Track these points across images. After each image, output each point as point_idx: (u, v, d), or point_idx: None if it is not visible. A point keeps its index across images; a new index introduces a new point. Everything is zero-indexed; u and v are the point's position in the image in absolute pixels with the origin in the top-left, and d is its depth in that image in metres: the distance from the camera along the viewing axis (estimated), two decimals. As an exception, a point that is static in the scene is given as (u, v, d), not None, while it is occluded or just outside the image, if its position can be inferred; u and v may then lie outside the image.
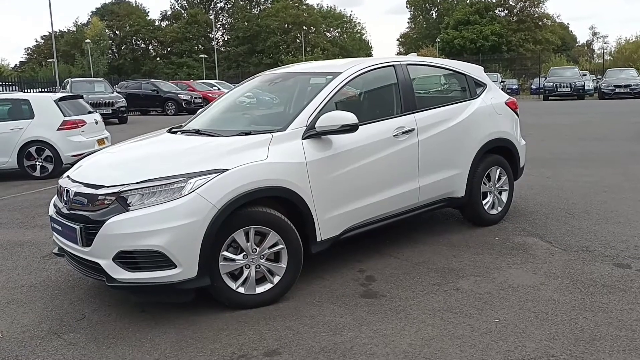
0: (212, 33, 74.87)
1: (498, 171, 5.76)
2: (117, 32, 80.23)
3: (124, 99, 23.66)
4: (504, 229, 5.68)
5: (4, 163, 10.46)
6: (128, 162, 4.21)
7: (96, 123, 11.46)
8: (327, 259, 4.83)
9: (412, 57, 5.47)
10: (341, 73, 4.72)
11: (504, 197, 5.89)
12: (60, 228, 4.08)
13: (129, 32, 79.10)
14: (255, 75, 5.61)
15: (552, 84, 32.26)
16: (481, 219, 5.70)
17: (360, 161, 4.51)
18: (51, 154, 10.53)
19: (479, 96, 5.65)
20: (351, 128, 4.26)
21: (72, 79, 25.56)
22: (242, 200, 3.81)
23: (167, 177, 3.72)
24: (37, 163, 10.55)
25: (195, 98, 28.35)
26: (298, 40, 74.35)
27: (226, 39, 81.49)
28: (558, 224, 5.77)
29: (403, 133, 4.82)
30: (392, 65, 5.06)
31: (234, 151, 4.00)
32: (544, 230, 5.57)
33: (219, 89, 31.04)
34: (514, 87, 39.40)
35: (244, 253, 3.93)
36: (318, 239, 4.29)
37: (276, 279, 4.05)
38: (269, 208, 4.00)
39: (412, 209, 5.04)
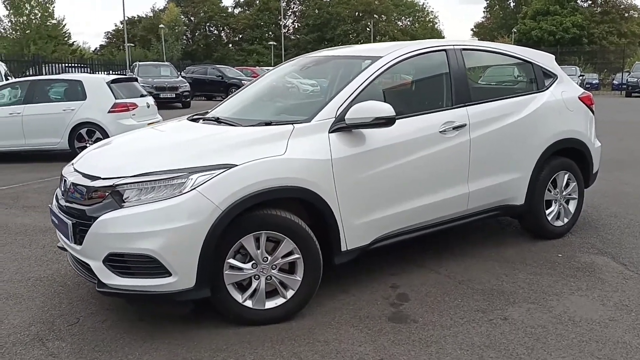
0: (283, 20, 74.97)
1: (566, 177, 4.97)
2: (192, 18, 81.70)
3: (187, 84, 23.72)
4: (570, 244, 4.89)
5: (55, 144, 10.44)
6: (133, 152, 3.76)
7: (148, 107, 11.27)
8: (356, 269, 4.25)
9: (469, 42, 4.74)
10: (381, 57, 4.09)
11: (572, 206, 5.09)
12: (57, 222, 3.69)
13: (203, 18, 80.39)
14: (290, 60, 5.05)
15: (636, 79, 30.03)
16: (543, 231, 4.94)
17: (398, 160, 3.89)
18: (101, 137, 10.39)
19: (547, 89, 4.87)
20: (387, 121, 3.64)
21: (140, 63, 25.92)
22: (252, 201, 3.28)
23: (166, 171, 3.24)
24: (88, 145, 10.43)
25: (258, 84, 28.17)
26: (368, 29, 73.28)
27: (296, 26, 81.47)
28: (636, 242, 4.93)
29: (452, 129, 4.14)
30: (444, 50, 4.38)
31: (247, 144, 3.47)
32: (618, 249, 4.75)
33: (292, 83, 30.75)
34: (593, 82, 37.04)
35: (254, 262, 3.40)
36: (343, 249, 3.71)
37: (289, 293, 3.50)
38: (284, 211, 3.45)
39: (459, 217, 4.36)
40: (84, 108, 10.39)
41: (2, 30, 64.83)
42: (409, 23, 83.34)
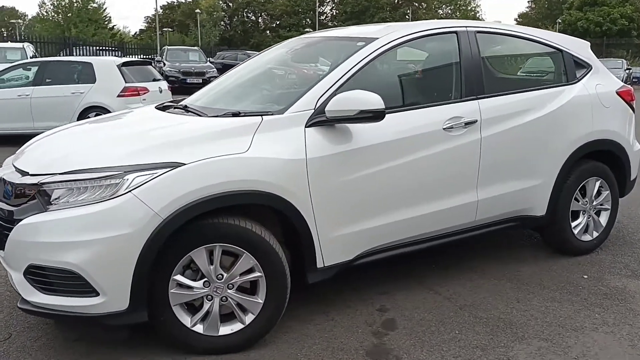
0: (321, 7, 74.08)
1: (597, 184, 4.26)
2: (230, 4, 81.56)
3: (215, 69, 23.29)
4: (598, 262, 4.19)
5: (63, 128, 10.09)
6: (75, 143, 3.22)
7: (160, 91, 10.82)
8: (342, 285, 3.66)
9: (486, 23, 4.04)
10: (377, 39, 3.45)
11: (604, 218, 4.37)
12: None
13: (241, 4, 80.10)
14: (282, 43, 4.43)
15: (688, 74, 28.40)
16: (567, 247, 4.25)
17: (391, 161, 3.27)
18: (110, 122, 10.00)
19: (578, 81, 4.15)
20: (374, 115, 3.02)
21: (169, 47, 25.64)
22: (202, 208, 2.72)
23: (97, 169, 2.69)
24: (97, 130, 10.07)
25: (287, 70, 27.67)
26: (407, 17, 71.80)
27: (334, 13, 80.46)
28: (678, 263, 4.21)
29: (460, 125, 3.49)
30: (454, 32, 3.71)
31: (203, 139, 2.90)
32: (657, 271, 4.04)
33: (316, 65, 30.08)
34: (640, 76, 35.18)
35: (206, 279, 2.85)
36: (319, 265, 3.12)
37: (249, 318, 2.94)
38: (246, 220, 2.88)
39: (465, 229, 3.71)
40: (93, 91, 10.00)
41: (45, 13, 65.96)
42: (449, 11, 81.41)
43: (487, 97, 3.66)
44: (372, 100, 3.00)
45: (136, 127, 3.40)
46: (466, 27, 3.75)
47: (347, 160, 3.13)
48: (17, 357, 2.92)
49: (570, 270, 4.01)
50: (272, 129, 3.00)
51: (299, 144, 3.00)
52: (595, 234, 4.34)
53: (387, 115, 3.22)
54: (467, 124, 3.52)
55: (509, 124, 3.70)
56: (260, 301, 2.93)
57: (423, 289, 3.70)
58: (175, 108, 3.64)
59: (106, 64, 10.41)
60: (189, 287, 2.83)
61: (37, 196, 2.74)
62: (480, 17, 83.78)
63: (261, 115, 3.05)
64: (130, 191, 2.62)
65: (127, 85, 10.05)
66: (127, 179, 2.63)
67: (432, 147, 3.40)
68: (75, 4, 63.33)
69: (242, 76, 4.10)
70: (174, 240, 2.73)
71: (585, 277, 3.92)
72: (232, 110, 3.22)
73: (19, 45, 18.36)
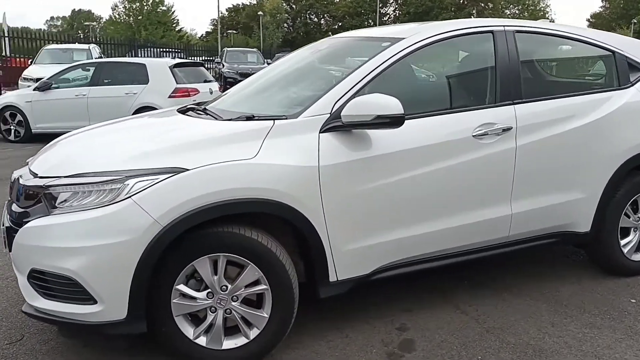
0: (384, 8, 73.57)
1: (652, 199, 3.88)
2: (293, 5, 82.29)
3: (272, 70, 23.46)
4: (651, 285, 3.82)
5: (117, 128, 10.31)
6: (85, 146, 3.18)
7: (211, 92, 10.87)
8: (363, 299, 3.47)
9: (527, 22, 3.74)
10: (404, 39, 3.25)
11: (659, 236, 3.99)
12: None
13: (304, 6, 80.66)
14: (311, 44, 4.27)
15: None
16: (615, 266, 3.89)
17: (414, 170, 3.06)
18: (162, 122, 10.16)
19: (632, 85, 3.78)
20: (392, 121, 2.82)
21: (228, 49, 26.03)
22: (204, 216, 2.60)
23: (99, 173, 2.62)
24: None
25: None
26: (472, 18, 70.22)
27: (397, 14, 79.73)
28: None
29: (493, 133, 3.23)
30: (490, 32, 3.45)
31: (211, 143, 2.78)
32: None
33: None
34: None
35: (210, 290, 2.73)
36: (332, 279, 2.95)
37: (253, 333, 2.80)
38: (251, 229, 2.74)
39: (498, 244, 3.44)
40: (146, 92, 10.18)
41: (117, 16, 68.63)
42: (517, 12, 79.10)
43: (525, 102, 3.38)
44: (391, 105, 2.80)
45: (148, 130, 3.33)
46: (504, 26, 3.48)
47: (364, 168, 2.94)
48: (24, 359, 2.89)
49: (616, 293, 3.66)
50: (284, 134, 2.86)
51: (312, 150, 2.84)
52: (649, 254, 3.96)
53: (411, 120, 3.04)
54: (502, 131, 3.25)
55: (548, 131, 3.40)
56: (266, 315, 2.78)
57: (450, 308, 3.45)
58: (195, 111, 3.55)
59: (159, 65, 10.57)
60: (192, 298, 2.72)
61: (43, 199, 2.70)
62: (549, 18, 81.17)
63: (273, 120, 2.91)
64: (129, 197, 2.53)
65: (178, 86, 10.17)
66: (128, 184, 2.55)
67: (459, 155, 3.16)
68: (146, 7, 65.59)
69: (268, 78, 3.97)
70: (176, 248, 2.62)
71: (633, 301, 3.56)
72: (247, 113, 3.09)
73: (85, 46, 19.01)
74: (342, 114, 2.88)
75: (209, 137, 2.84)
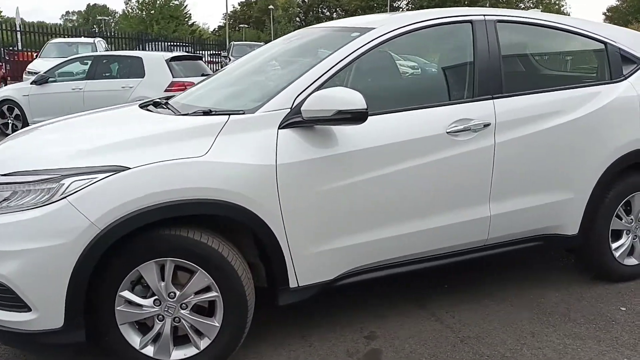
0: (397, 2, 73.03)
1: (646, 200, 3.65)
2: (305, 0, 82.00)
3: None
4: (643, 292, 3.59)
5: (113, 122, 10.20)
6: (32, 142, 3.02)
7: (209, 86, 10.73)
8: (331, 304, 3.28)
9: (511, 12, 3.49)
10: (373, 30, 3.04)
11: (654, 239, 3.75)
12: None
13: (316, 0, 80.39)
14: (286, 35, 4.06)
15: None
16: (606, 271, 3.66)
17: (382, 169, 2.85)
18: (158, 116, 10.01)
19: (624, 79, 3.54)
20: (354, 117, 2.62)
21: (235, 43, 25.92)
22: (147, 218, 2.43)
23: (35, 172, 2.45)
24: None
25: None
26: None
27: (409, 8, 79.18)
28: None
29: (468, 129, 3.02)
30: (469, 22, 3.23)
31: (159, 139, 2.60)
32: None
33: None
34: None
35: (157, 297, 2.55)
36: (292, 285, 2.77)
37: (204, 343, 2.62)
38: (201, 232, 2.56)
39: (476, 248, 3.23)
40: (142, 86, 10.01)
41: (130, 10, 68.86)
42: (531, 5, 78.18)
43: (506, 97, 3.16)
44: (353, 100, 2.60)
45: (100, 125, 3.15)
46: (484, 15, 3.26)
47: (328, 166, 2.74)
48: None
49: (605, 300, 3.44)
50: (239, 130, 2.67)
51: (269, 147, 2.65)
52: (642, 258, 3.72)
53: (380, 116, 2.85)
54: (479, 127, 3.04)
55: (531, 128, 3.18)
56: (217, 324, 2.60)
57: (425, 315, 3.25)
58: (157, 105, 3.36)
59: (155, 59, 10.41)
60: (138, 305, 2.55)
61: (-18, 198, 2.53)
62: (565, 11, 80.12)
63: (229, 114, 2.72)
64: (64, 197, 2.35)
65: (175, 80, 9.99)
66: (64, 184, 2.37)
67: (432, 153, 2.95)
68: (158, 2, 65.69)
69: (239, 71, 3.78)
70: (119, 252, 2.45)
71: (623, 309, 3.34)
72: (204, 108, 2.91)
73: (90, 40, 18.96)
74: (302, 108, 2.69)
75: (158, 133, 2.66)
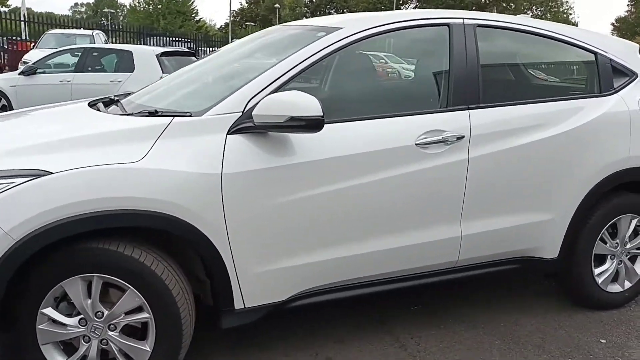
0: (404, 5, 72.75)
1: (634, 223, 3.39)
2: (313, 0, 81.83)
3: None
4: (627, 321, 3.33)
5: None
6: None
7: (200, 83, 10.51)
8: (289, 325, 3.03)
9: (492, 16, 3.24)
10: (340, 29, 2.79)
11: (640, 266, 3.50)
12: None
13: (324, 0, 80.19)
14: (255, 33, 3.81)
15: None
16: (587, 298, 3.41)
17: (342, 182, 2.60)
18: (147, 112, 9.78)
19: (614, 92, 3.28)
20: (308, 124, 2.37)
21: (237, 40, 25.63)
22: (69, 229, 2.18)
23: (-52, 175, 2.21)
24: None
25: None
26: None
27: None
28: None
29: (440, 142, 2.77)
30: (446, 25, 2.97)
31: (92, 142, 2.36)
32: (702, 342, 3.13)
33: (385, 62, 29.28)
34: None
35: (82, 316, 2.31)
36: (237, 306, 2.53)
37: (134, 368, 2.37)
38: (134, 246, 2.32)
39: (444, 270, 2.98)
40: (131, 80, 9.76)
41: (137, 4, 68.86)
42: (539, 13, 77.92)
43: (483, 108, 2.91)
44: (307, 105, 2.36)
45: (36, 123, 2.92)
46: (463, 18, 3.01)
47: (281, 178, 2.50)
48: None
49: (584, 331, 3.19)
50: (183, 134, 2.42)
51: (215, 154, 2.40)
52: (628, 285, 3.46)
53: (342, 124, 2.62)
54: (452, 140, 2.79)
55: (510, 142, 2.93)
56: (148, 349, 2.36)
57: (388, 340, 3.00)
58: (106, 103, 3.12)
59: (145, 53, 10.19)
60: (63, 324, 2.31)
61: None
62: (572, 21, 79.92)
63: (173, 116, 2.48)
64: (-25, 205, 2.11)
65: (164, 75, 9.73)
66: (-24, 189, 2.13)
67: (398, 166, 2.70)
68: (166, -5, 65.67)
69: (202, 69, 3.52)
70: (41, 266, 2.21)
71: (603, 341, 3.08)
72: (150, 107, 2.66)
73: (89, 32, 18.73)
74: (253, 113, 2.44)
75: (92, 135, 2.41)
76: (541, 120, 3.02)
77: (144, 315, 2.34)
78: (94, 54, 10.49)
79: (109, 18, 66.70)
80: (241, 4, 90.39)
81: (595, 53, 3.32)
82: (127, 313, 2.34)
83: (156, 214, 2.28)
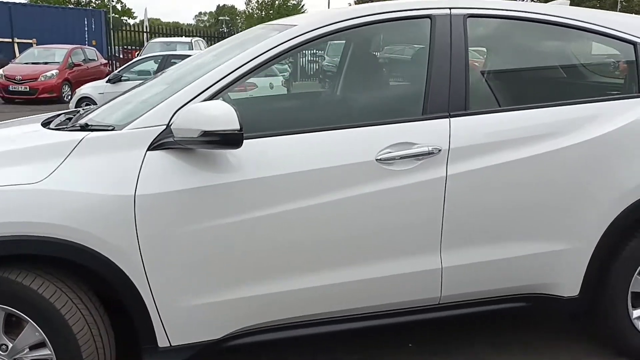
0: None
1: (687, 253, 2.69)
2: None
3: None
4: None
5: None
6: None
7: (271, 87, 10.31)
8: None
9: (491, 4, 2.67)
10: (294, 27, 2.42)
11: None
12: None
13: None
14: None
15: None
16: (623, 344, 2.76)
17: (285, 204, 2.24)
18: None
19: (660, 92, 2.62)
20: (222, 140, 2.04)
21: (332, 42, 25.58)
22: (-39, 256, 2.01)
23: None
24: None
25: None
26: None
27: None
28: None
29: (408, 156, 2.31)
30: (427, 17, 2.49)
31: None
32: None
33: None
34: None
35: (-19, 349, 2.15)
36: (161, 344, 2.24)
37: (39, 409, 2.16)
38: (36, 275, 2.10)
39: (425, 307, 2.51)
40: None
41: (250, 11, 71.47)
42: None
43: (469, 115, 2.41)
44: (221, 118, 2.03)
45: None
46: (450, 8, 2.50)
47: (208, 200, 2.18)
48: None
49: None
50: (97, 151, 2.18)
51: (129, 173, 2.14)
52: (681, 331, 2.77)
53: (291, 137, 2.26)
54: (423, 154, 2.32)
55: (504, 156, 2.40)
56: (52, 388, 2.14)
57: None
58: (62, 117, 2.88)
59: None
60: (-40, 358, 2.15)
61: None
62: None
63: (89, 131, 2.24)
64: None
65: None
66: None
67: (353, 186, 2.28)
68: (277, 1, 67.58)
69: (167, 75, 3.20)
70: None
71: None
72: (90, 121, 2.45)
73: (187, 39, 19.46)
74: (172, 127, 2.15)
75: (3, 152, 2.23)
76: (552, 128, 2.45)
77: (45, 352, 2.12)
78: (173, 60, 10.73)
79: (229, 25, 69.44)
80: (349, 4, 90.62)
81: (634, 43, 2.67)
82: (33, 348, 2.14)
83: (55, 240, 2.05)
